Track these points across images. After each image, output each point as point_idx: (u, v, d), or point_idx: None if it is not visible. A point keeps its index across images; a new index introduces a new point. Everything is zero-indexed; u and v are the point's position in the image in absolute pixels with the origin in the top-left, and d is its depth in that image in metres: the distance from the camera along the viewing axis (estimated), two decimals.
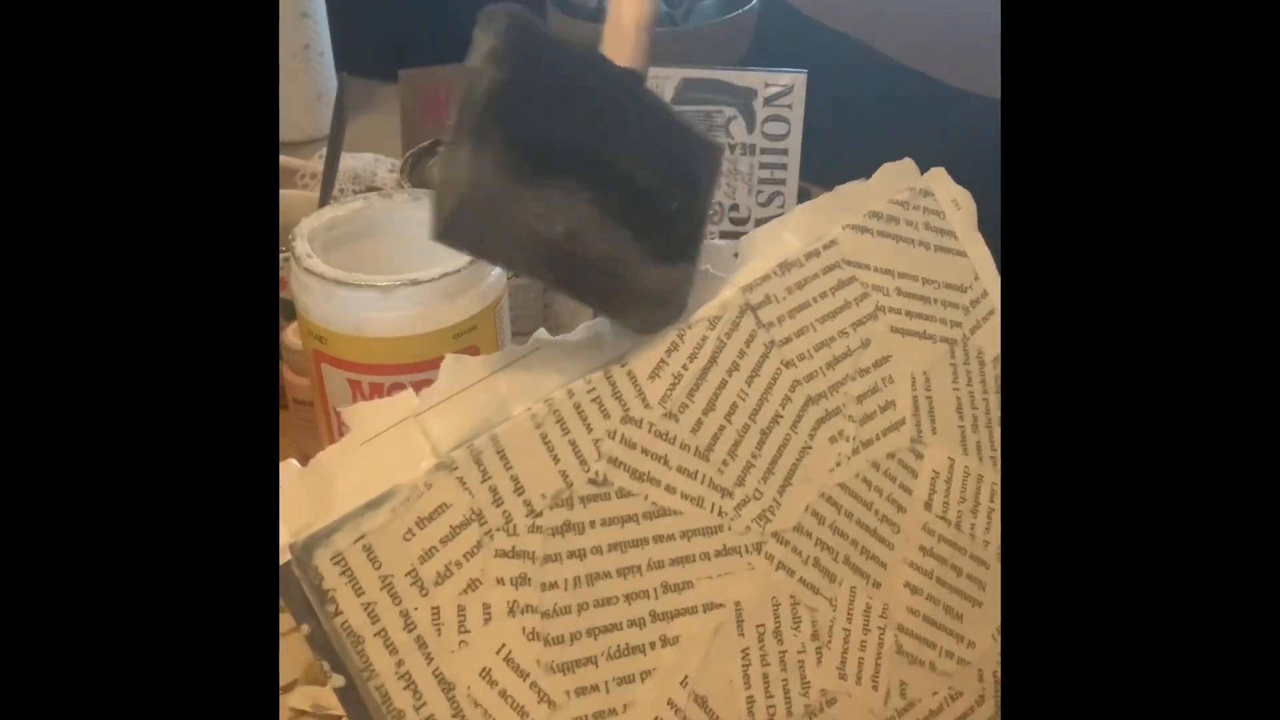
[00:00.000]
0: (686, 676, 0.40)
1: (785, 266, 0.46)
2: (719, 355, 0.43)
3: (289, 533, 0.35)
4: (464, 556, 0.37)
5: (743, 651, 0.41)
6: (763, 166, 0.75)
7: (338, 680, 0.36)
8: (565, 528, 0.39)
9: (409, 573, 0.36)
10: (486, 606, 0.37)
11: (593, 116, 0.38)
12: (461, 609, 0.36)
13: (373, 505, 0.36)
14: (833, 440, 0.45)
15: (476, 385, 0.38)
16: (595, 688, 0.38)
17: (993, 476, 0.49)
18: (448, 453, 0.37)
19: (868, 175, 0.49)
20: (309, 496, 0.35)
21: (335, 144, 0.68)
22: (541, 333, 0.40)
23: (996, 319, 0.51)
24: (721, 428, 0.42)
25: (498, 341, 0.52)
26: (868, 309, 0.47)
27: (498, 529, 0.37)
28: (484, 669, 0.36)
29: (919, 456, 0.47)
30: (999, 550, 0.48)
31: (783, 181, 0.74)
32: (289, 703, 0.50)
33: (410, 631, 0.35)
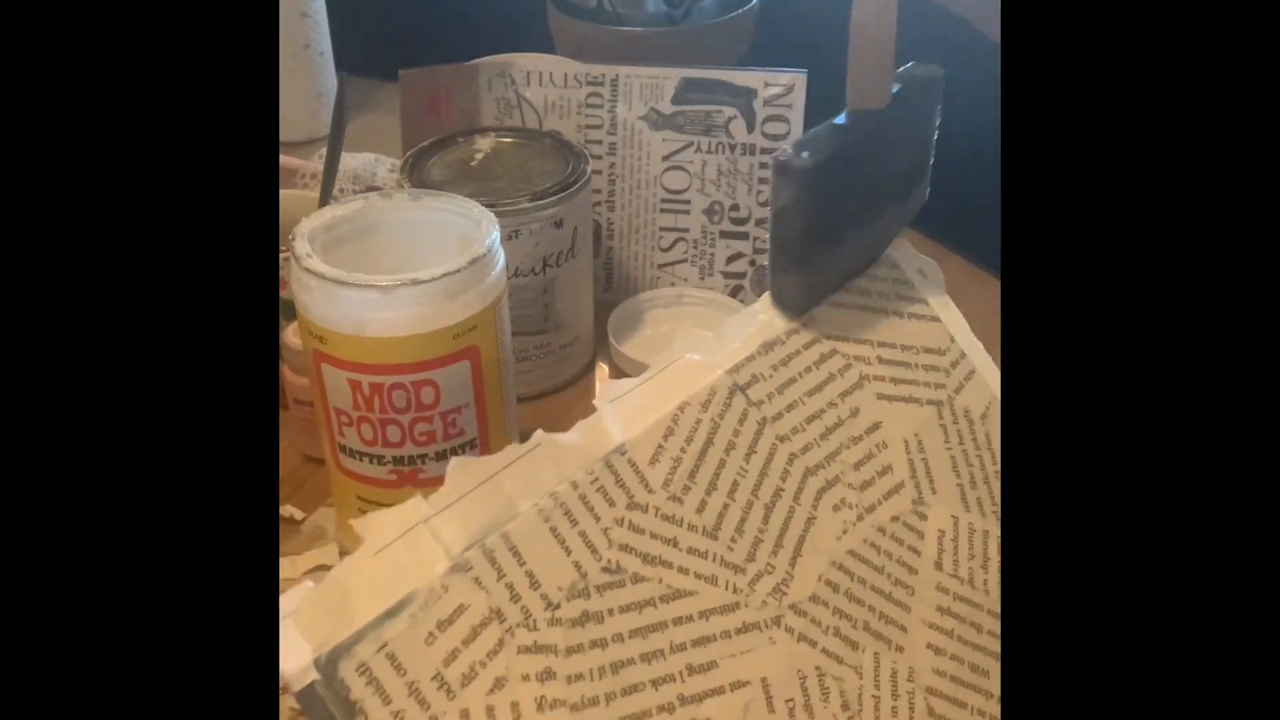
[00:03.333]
0: None
1: (768, 345, 0.47)
2: (714, 436, 0.44)
3: (311, 649, 0.35)
4: (487, 656, 0.36)
5: None
6: (763, 166, 0.74)
7: None
8: (584, 618, 0.39)
9: (434, 677, 0.35)
10: (515, 705, 0.36)
11: (867, 180, 0.49)
12: (490, 709, 0.36)
13: (392, 613, 0.36)
14: (836, 509, 0.45)
15: (482, 486, 0.39)
16: None
17: (997, 530, 0.49)
18: (461, 554, 0.37)
19: None
20: (327, 611, 0.35)
21: (335, 144, 0.67)
22: (540, 433, 0.41)
23: (978, 378, 0.53)
24: (726, 506, 0.43)
25: (498, 341, 0.52)
26: (852, 379, 0.48)
27: (518, 625, 0.37)
28: None
29: (923, 518, 0.48)
30: None
31: None
32: (289, 703, 0.49)
33: None
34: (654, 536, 0.41)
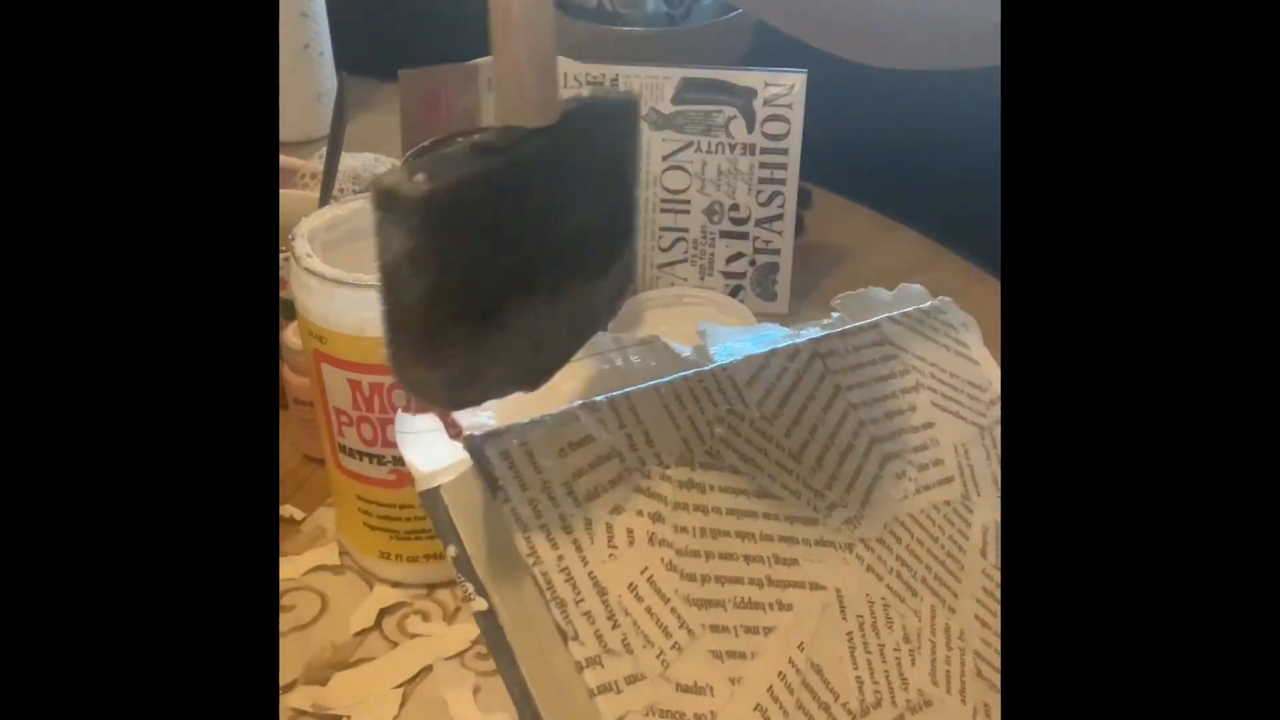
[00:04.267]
0: (802, 643, 0.41)
1: (844, 333, 0.52)
2: (798, 384, 0.48)
3: (461, 429, 0.37)
4: (609, 484, 0.39)
5: (848, 635, 0.42)
6: (763, 166, 0.74)
7: (480, 604, 0.36)
8: (690, 484, 0.41)
9: (564, 484, 0.37)
10: (630, 531, 0.38)
11: (534, 229, 0.35)
12: (610, 527, 0.38)
13: (533, 422, 0.38)
14: (898, 476, 0.49)
15: (600, 355, 0.42)
16: (726, 629, 0.39)
17: None
18: (589, 396, 0.40)
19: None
20: (467, 411, 0.38)
21: (335, 144, 0.67)
22: (652, 333, 0.45)
23: None
24: (807, 441, 0.46)
25: None
26: (911, 381, 0.53)
27: (634, 469, 0.40)
28: (631, 584, 0.37)
29: (970, 510, 0.51)
30: None
31: (783, 181, 0.74)
32: (289, 703, 0.48)
33: (569, 534, 0.37)
34: (749, 441, 0.44)
